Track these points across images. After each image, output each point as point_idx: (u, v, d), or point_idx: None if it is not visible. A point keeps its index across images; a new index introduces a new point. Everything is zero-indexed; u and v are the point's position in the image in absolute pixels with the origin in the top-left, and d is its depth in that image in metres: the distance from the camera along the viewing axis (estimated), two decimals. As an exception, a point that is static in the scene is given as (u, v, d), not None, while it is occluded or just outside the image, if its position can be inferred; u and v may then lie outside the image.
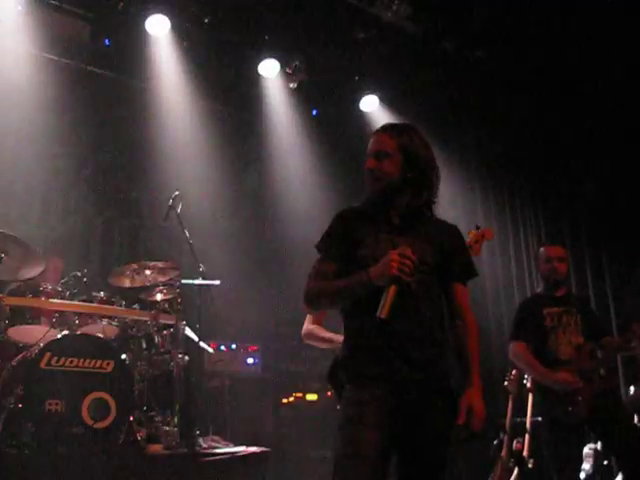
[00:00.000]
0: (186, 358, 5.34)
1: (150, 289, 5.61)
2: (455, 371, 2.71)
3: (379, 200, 2.74)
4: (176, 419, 4.94)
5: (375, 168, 2.72)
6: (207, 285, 5.51)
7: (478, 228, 3.87)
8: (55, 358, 4.47)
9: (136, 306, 5.57)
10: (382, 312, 2.50)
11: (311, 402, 7.00)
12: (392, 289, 2.52)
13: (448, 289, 2.78)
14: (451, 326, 2.77)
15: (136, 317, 5.44)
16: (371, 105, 7.66)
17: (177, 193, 5.60)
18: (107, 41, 6.78)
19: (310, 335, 3.94)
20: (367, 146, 2.81)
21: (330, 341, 3.79)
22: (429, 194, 2.76)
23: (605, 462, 5.24)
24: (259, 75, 7.28)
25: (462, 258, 2.84)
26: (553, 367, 4.38)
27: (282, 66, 7.18)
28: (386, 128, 2.83)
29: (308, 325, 3.96)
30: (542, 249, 4.79)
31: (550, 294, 4.64)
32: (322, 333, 3.87)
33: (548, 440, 4.49)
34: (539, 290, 4.81)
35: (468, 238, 3.74)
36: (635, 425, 4.80)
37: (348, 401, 2.62)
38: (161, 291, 5.59)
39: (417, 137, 2.79)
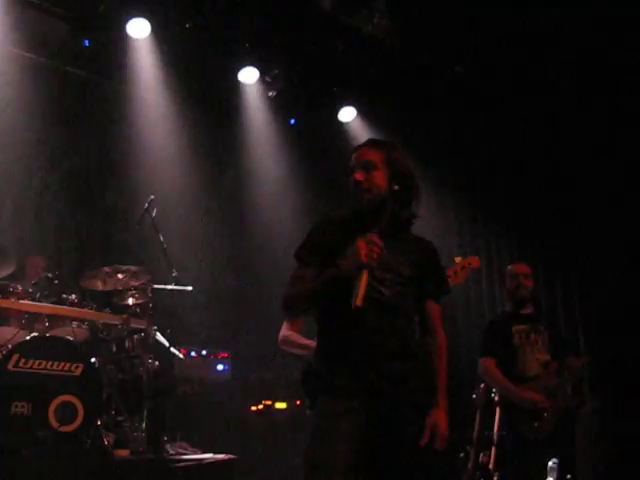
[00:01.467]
0: (156, 363, 5.32)
1: (122, 293, 5.58)
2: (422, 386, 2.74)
3: (368, 211, 2.72)
4: (144, 424, 4.92)
5: (364, 180, 2.71)
6: (179, 290, 5.50)
7: (465, 255, 3.96)
8: (23, 360, 4.43)
9: (107, 310, 5.53)
10: (357, 300, 2.49)
11: (280, 410, 6.99)
12: (364, 277, 2.51)
13: (421, 305, 2.81)
14: (421, 343, 2.80)
15: (107, 321, 5.41)
16: (349, 116, 7.71)
17: (152, 197, 5.60)
18: (87, 42, 6.74)
19: (287, 341, 3.95)
20: (348, 159, 2.82)
21: (307, 347, 3.80)
22: (414, 207, 2.81)
23: (568, 476, 5.30)
24: (238, 82, 7.29)
25: (436, 275, 2.86)
26: (520, 384, 4.46)
27: (261, 74, 7.21)
28: (371, 142, 2.87)
29: (285, 331, 3.97)
30: (509, 267, 4.90)
31: (517, 312, 4.71)
32: (299, 340, 3.89)
33: (512, 454, 4.54)
34: (507, 308, 4.88)
35: (454, 264, 3.84)
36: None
37: (321, 412, 2.63)
38: (133, 295, 5.56)
39: (400, 152, 2.84)
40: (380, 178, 2.73)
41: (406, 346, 2.69)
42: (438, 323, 2.82)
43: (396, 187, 2.74)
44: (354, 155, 2.81)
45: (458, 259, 3.89)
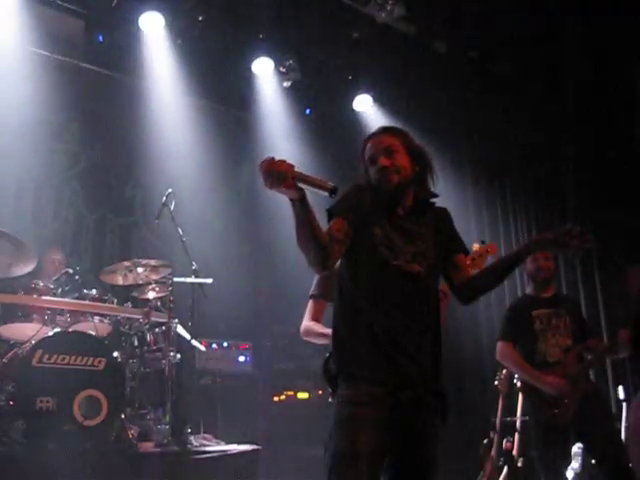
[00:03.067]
0: (178, 356, 5.34)
1: (142, 287, 5.60)
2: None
3: (396, 194, 2.76)
4: (167, 417, 4.94)
5: (390, 164, 2.73)
6: (199, 283, 5.52)
7: (483, 243, 3.93)
8: (47, 355, 4.47)
9: (128, 304, 5.57)
10: (327, 185, 2.52)
11: (302, 400, 7.01)
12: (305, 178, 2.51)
13: (451, 262, 2.84)
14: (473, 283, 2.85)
15: (128, 315, 5.45)
16: (364, 104, 7.67)
17: (170, 191, 5.60)
18: (101, 38, 6.77)
19: (308, 331, 3.94)
20: (364, 150, 2.84)
21: (328, 336, 3.80)
22: (431, 186, 2.86)
23: (593, 461, 5.27)
24: (253, 73, 7.28)
25: (457, 236, 2.93)
26: (541, 369, 4.41)
27: (276, 65, 7.19)
28: (386, 129, 2.89)
29: (306, 322, 3.96)
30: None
31: (539, 295, 4.65)
32: (320, 329, 3.88)
33: (535, 440, 4.52)
34: (528, 291, 4.83)
35: (472, 252, 3.82)
36: (617, 430, 4.82)
37: (344, 400, 2.61)
38: (153, 289, 5.59)
39: (411, 136, 2.87)
40: (404, 160, 2.76)
41: (431, 331, 2.69)
42: (469, 272, 2.87)
43: (417, 168, 2.79)
44: (371, 144, 2.82)
45: (476, 247, 3.87)
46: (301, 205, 2.53)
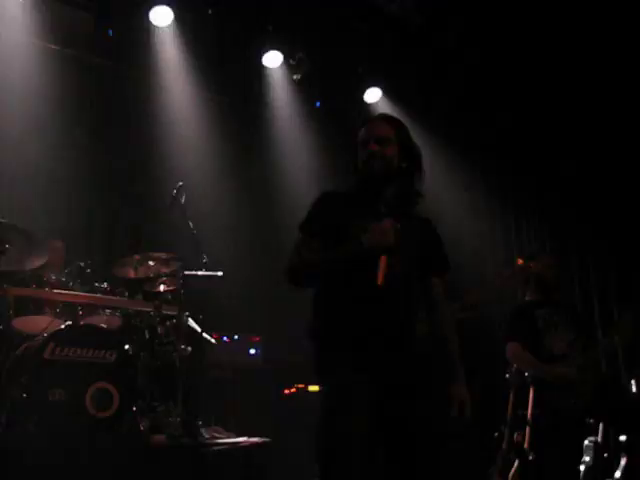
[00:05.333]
0: (189, 349, 5.35)
1: (153, 280, 5.63)
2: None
3: (377, 181, 2.77)
4: (178, 409, 4.96)
5: (377, 151, 2.77)
6: (210, 276, 5.52)
7: (529, 258, 4.01)
8: (59, 348, 4.49)
9: (139, 297, 5.59)
10: (380, 279, 2.52)
11: (313, 393, 7.01)
12: (384, 258, 2.54)
13: (426, 282, 2.83)
14: (429, 318, 2.82)
15: (139, 308, 5.47)
16: (374, 97, 7.65)
17: (181, 184, 5.60)
18: (110, 32, 6.78)
19: None
20: (359, 133, 2.87)
21: None
22: (418, 185, 2.84)
23: (605, 455, 5.26)
24: (263, 67, 7.27)
25: (438, 252, 2.90)
26: (549, 363, 4.47)
27: (285, 58, 7.18)
28: (384, 117, 2.96)
29: None
30: (541, 256, 4.93)
31: (538, 298, 4.75)
32: None
33: (547, 434, 4.54)
34: (527, 297, 4.88)
35: (515, 265, 3.88)
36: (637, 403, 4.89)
37: (331, 387, 2.62)
38: (164, 282, 5.61)
39: (408, 131, 2.89)
40: (392, 152, 2.78)
41: (411, 321, 2.72)
42: (442, 299, 2.84)
43: (403, 164, 2.78)
44: (367, 128, 2.87)
45: (519, 261, 3.95)
46: (360, 256, 2.58)
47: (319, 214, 2.79)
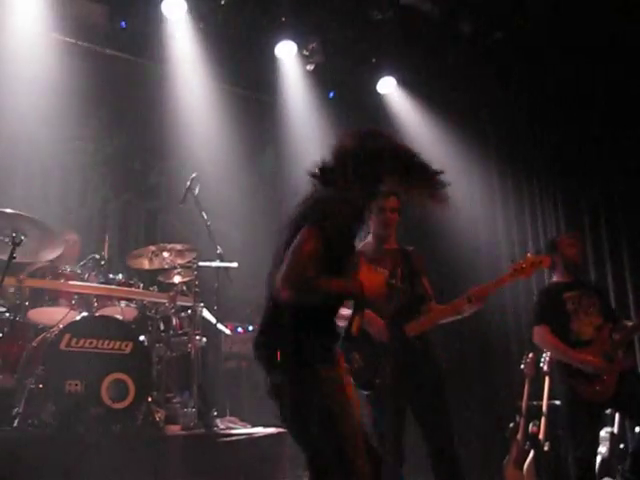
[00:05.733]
0: (204, 340, 5.38)
1: (168, 271, 5.64)
2: None
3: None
4: (194, 400, 4.99)
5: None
6: (224, 267, 5.53)
7: (538, 253, 4.02)
8: (74, 339, 4.53)
9: (154, 288, 5.61)
10: (355, 330, 2.71)
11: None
12: (358, 318, 2.73)
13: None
14: None
15: (154, 299, 5.48)
16: (388, 87, 7.61)
17: (194, 175, 5.61)
18: (123, 23, 6.78)
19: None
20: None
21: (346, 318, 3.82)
22: None
23: (621, 446, 5.24)
24: (276, 57, 7.25)
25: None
26: (575, 348, 4.44)
27: (299, 48, 7.14)
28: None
29: None
30: (562, 236, 4.89)
31: (566, 280, 4.67)
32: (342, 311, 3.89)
33: (567, 421, 4.50)
34: (554, 279, 4.82)
35: (523, 260, 3.88)
36: None
37: (324, 379, 2.60)
38: (179, 273, 5.61)
39: None
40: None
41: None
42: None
43: None
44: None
45: (529, 255, 3.98)
46: (357, 300, 2.76)
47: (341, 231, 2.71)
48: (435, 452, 3.81)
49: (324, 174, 2.85)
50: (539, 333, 4.61)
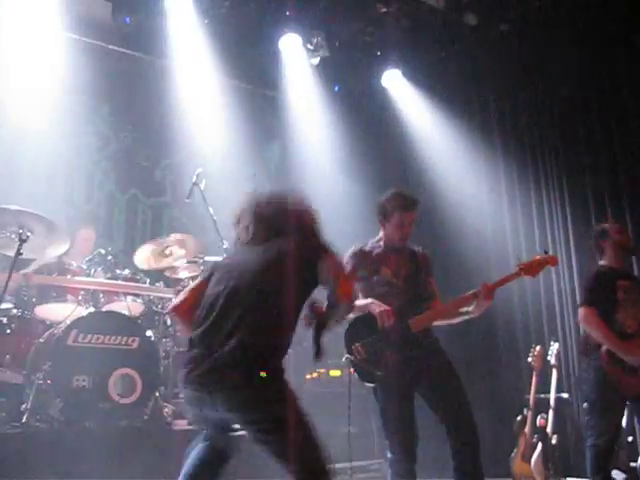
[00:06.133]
0: (210, 335, 5.37)
1: (174, 266, 5.64)
2: None
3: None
4: (201, 395, 4.98)
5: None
6: (230, 262, 5.52)
7: (546, 253, 4.00)
8: (82, 335, 4.54)
9: (160, 283, 5.62)
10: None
11: (335, 378, 7.01)
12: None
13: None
14: None
15: (160, 294, 5.50)
16: (393, 80, 7.58)
17: (200, 170, 5.61)
18: (128, 19, 6.76)
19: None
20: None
21: (361, 308, 3.83)
22: None
23: (629, 439, 5.22)
24: (280, 51, 7.23)
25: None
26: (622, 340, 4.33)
27: (303, 41, 7.11)
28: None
29: None
30: (608, 224, 4.83)
31: (621, 268, 4.58)
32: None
33: (597, 409, 4.37)
34: (606, 262, 4.62)
35: (531, 260, 3.95)
36: None
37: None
38: (185, 268, 5.62)
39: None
40: None
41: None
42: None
43: None
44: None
45: (538, 256, 3.96)
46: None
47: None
48: (452, 420, 3.78)
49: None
50: (587, 314, 4.40)
